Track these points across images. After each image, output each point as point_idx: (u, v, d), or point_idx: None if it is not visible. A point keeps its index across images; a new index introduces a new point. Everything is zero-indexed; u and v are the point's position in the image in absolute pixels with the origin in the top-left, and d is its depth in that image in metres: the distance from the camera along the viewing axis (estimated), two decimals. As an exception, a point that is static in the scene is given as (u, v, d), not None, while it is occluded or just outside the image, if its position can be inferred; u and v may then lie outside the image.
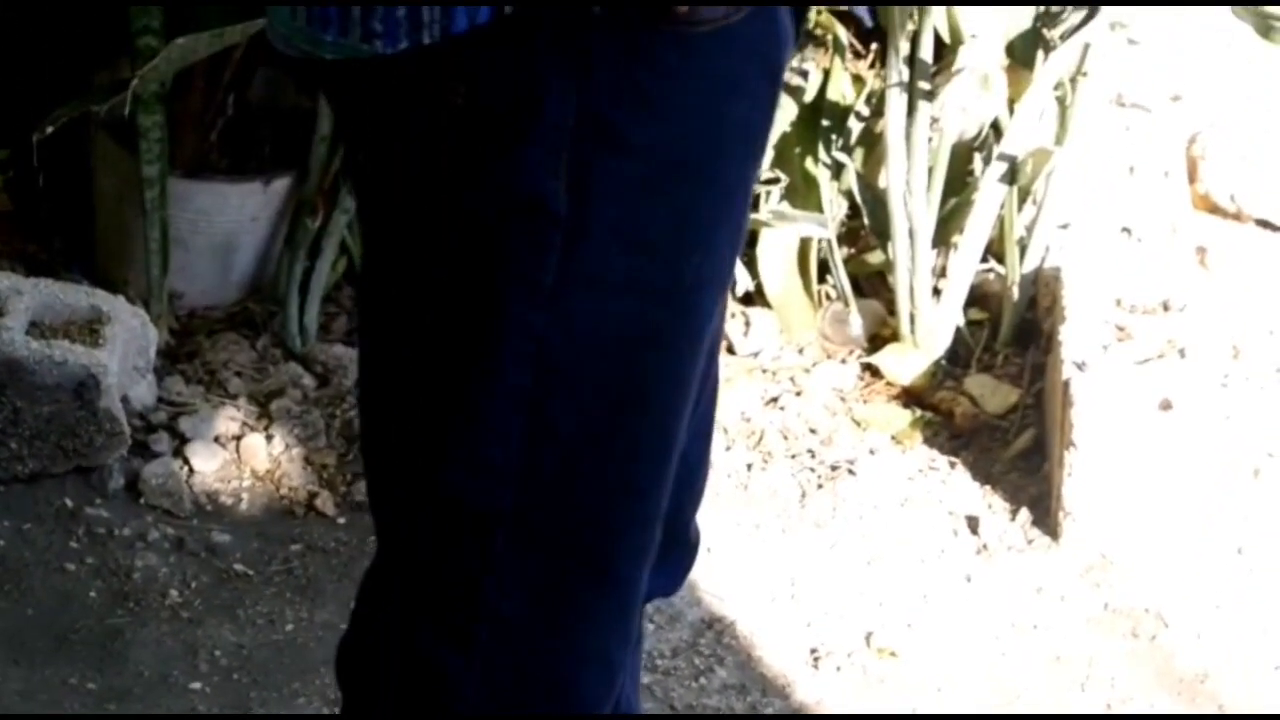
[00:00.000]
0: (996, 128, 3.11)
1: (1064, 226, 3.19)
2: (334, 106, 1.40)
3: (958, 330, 3.10)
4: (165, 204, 2.83)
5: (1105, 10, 3.01)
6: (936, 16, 3.01)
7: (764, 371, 3.09)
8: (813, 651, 2.53)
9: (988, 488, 2.88)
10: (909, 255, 3.03)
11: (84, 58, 2.99)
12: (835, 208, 3.12)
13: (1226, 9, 3.19)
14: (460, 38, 1.21)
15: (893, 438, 2.97)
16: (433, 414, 1.31)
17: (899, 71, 2.97)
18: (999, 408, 3.01)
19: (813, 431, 2.97)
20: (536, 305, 1.26)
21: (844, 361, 3.12)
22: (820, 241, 3.12)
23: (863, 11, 1.36)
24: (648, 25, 1.21)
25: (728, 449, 2.89)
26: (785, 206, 3.08)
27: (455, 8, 1.22)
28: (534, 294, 1.26)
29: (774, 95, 1.32)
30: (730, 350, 3.09)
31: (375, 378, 1.40)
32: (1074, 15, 3.07)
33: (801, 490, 2.85)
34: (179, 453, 2.71)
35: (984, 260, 3.14)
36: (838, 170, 3.12)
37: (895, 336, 3.10)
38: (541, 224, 1.25)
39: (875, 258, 3.18)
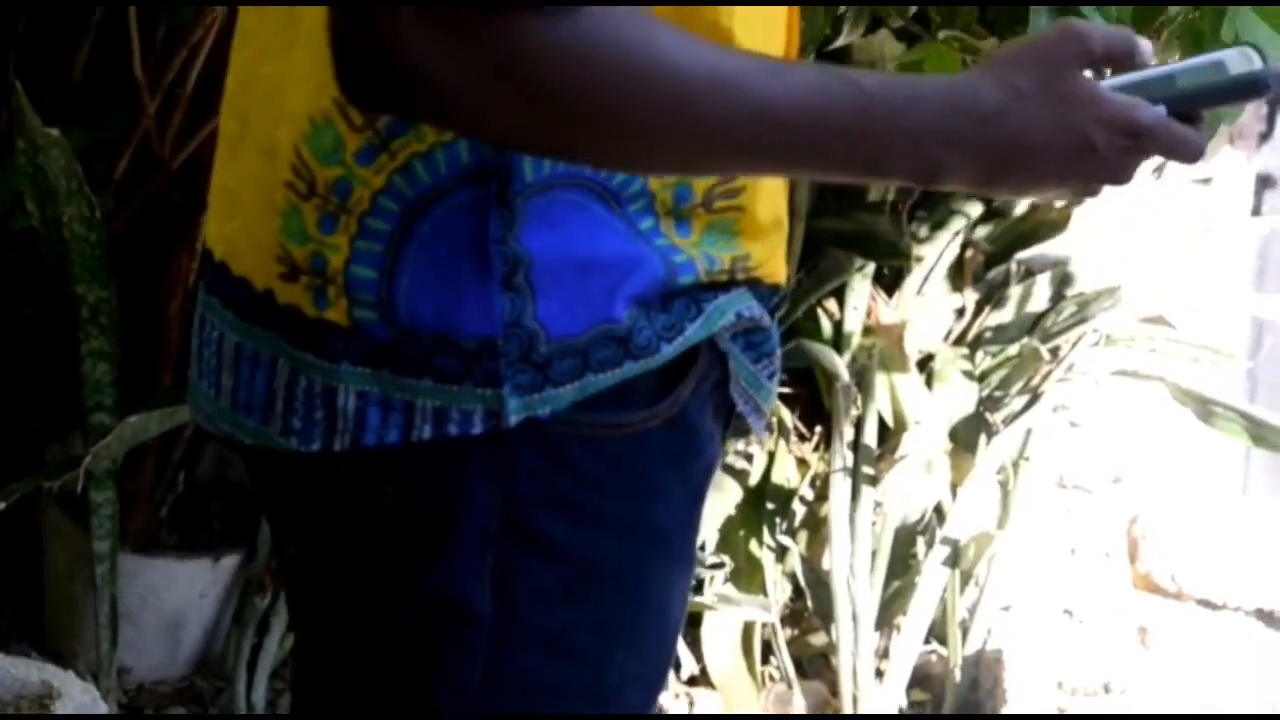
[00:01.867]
0: (939, 511, 3.16)
1: (1006, 609, 3.23)
2: (259, 491, 1.42)
3: (900, 712, 3.11)
4: (115, 579, 2.85)
5: (1047, 395, 3.09)
6: (880, 402, 3.08)
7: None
8: None
9: None
10: (852, 637, 3.06)
11: (37, 433, 3.03)
12: (779, 590, 3.15)
13: (1166, 394, 3.26)
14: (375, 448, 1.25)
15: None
16: None
17: (843, 456, 3.03)
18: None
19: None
20: (463, 705, 1.28)
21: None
22: (764, 623, 3.14)
23: (758, 423, 1.39)
24: (568, 432, 1.25)
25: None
26: (730, 589, 3.11)
27: (367, 424, 1.26)
28: (461, 694, 1.28)
29: (695, 505, 1.35)
30: (675, 730, 3.09)
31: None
32: (1016, 401, 3.14)
33: None
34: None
35: (926, 642, 3.16)
36: (781, 553, 3.15)
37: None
38: (466, 626, 1.27)
39: (819, 639, 3.20)
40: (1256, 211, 4.12)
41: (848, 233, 3.13)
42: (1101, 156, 1.26)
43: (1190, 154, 1.29)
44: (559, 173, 1.24)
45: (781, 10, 1.35)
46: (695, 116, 1.15)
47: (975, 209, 3.33)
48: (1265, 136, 4.23)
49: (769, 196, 1.35)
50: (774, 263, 1.36)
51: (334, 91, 1.21)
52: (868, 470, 3.04)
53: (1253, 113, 4.08)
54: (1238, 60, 1.26)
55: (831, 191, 3.20)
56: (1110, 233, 3.56)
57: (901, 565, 3.15)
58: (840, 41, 2.58)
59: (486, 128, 1.16)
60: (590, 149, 1.17)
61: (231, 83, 1.38)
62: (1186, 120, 1.27)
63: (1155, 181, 3.67)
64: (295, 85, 1.28)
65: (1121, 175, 1.28)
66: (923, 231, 3.29)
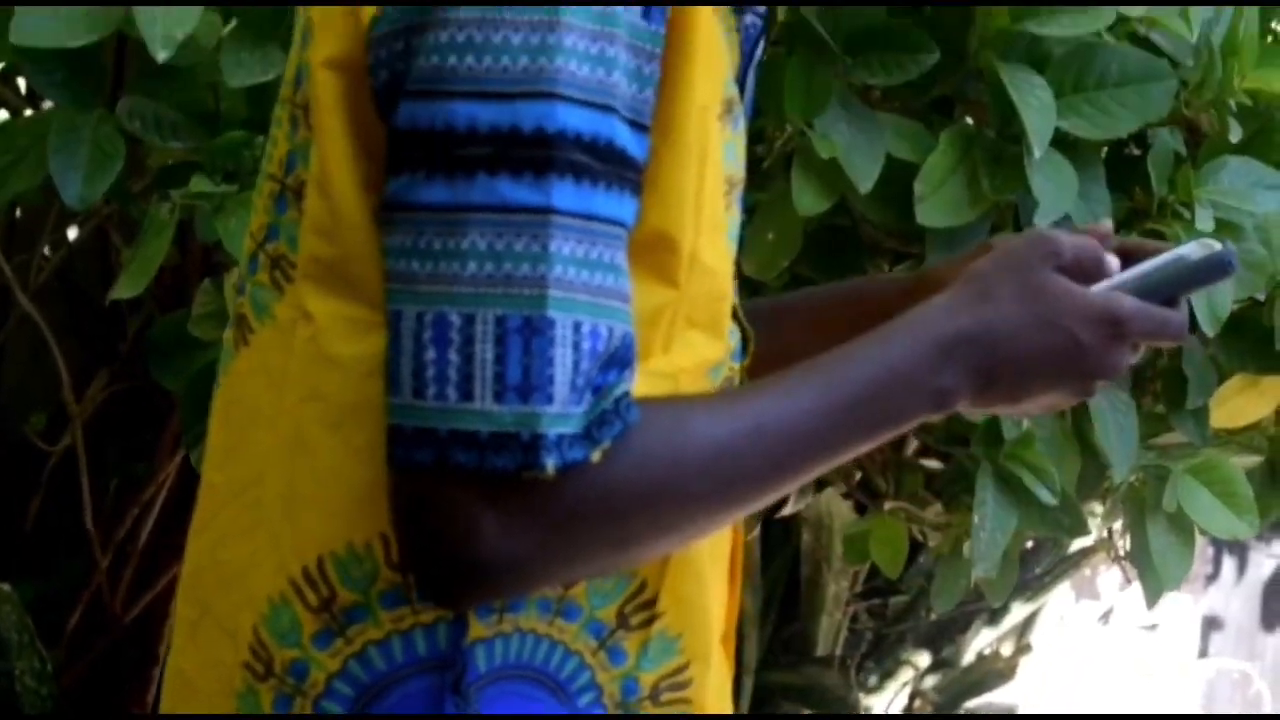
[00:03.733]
0: None
1: None
2: None
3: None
4: None
5: None
6: None
7: None
8: None
9: None
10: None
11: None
12: None
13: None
14: None
15: None
16: None
17: None
18: None
19: None
20: None
21: None
22: None
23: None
24: None
25: None
26: None
27: None
28: None
29: None
30: None
31: None
32: None
33: None
34: None
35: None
36: None
37: None
38: None
39: None
40: (1203, 654, 4.15)
41: (797, 686, 3.14)
42: (1089, 349, 1.31)
43: (1174, 333, 1.34)
44: (510, 663, 1.26)
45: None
46: (745, 478, 1.25)
47: (923, 659, 3.35)
48: (1211, 578, 4.29)
49: (716, 694, 1.37)
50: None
51: (292, 571, 1.25)
52: None
53: (1199, 556, 4.13)
54: (1197, 249, 1.33)
55: (780, 644, 3.22)
56: (1057, 680, 3.57)
57: None
58: (788, 510, 2.64)
59: (578, 577, 1.26)
60: (673, 544, 1.27)
61: (188, 569, 1.39)
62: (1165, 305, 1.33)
63: (1102, 628, 3.70)
64: (256, 567, 1.30)
65: (1111, 367, 1.33)
66: (872, 681, 3.29)
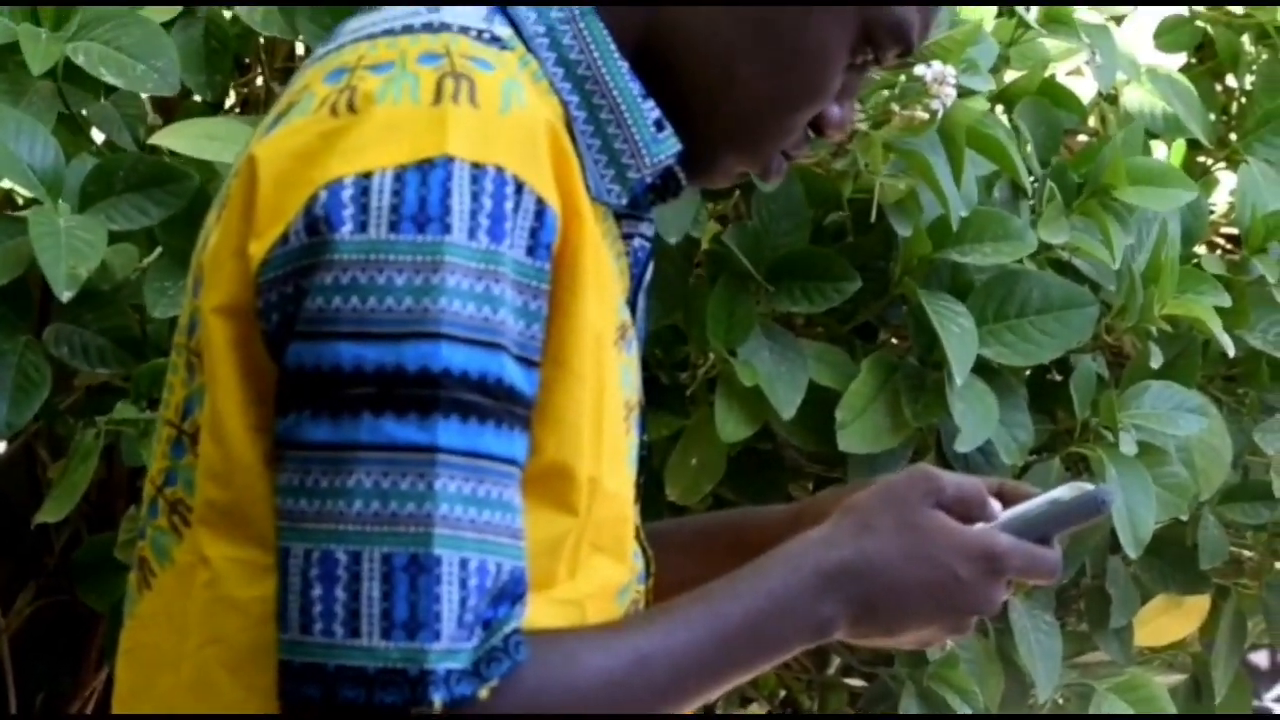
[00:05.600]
0: None
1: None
2: None
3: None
4: None
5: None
6: None
7: None
8: None
9: None
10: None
11: None
12: None
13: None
14: None
15: None
16: None
17: None
18: None
19: None
20: None
21: None
22: None
23: None
24: None
25: None
26: None
27: None
28: None
29: None
30: None
31: None
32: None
33: None
34: None
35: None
36: None
37: None
38: None
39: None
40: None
41: None
42: (965, 584, 1.33)
43: (1047, 570, 1.36)
44: None
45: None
46: (635, 708, 1.26)
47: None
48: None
49: None
50: None
51: None
52: None
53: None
54: (1068, 492, 1.37)
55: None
56: None
57: None
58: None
59: None
60: None
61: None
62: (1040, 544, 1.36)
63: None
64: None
65: (987, 602, 1.35)
66: None
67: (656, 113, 1.33)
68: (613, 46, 1.32)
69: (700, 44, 1.34)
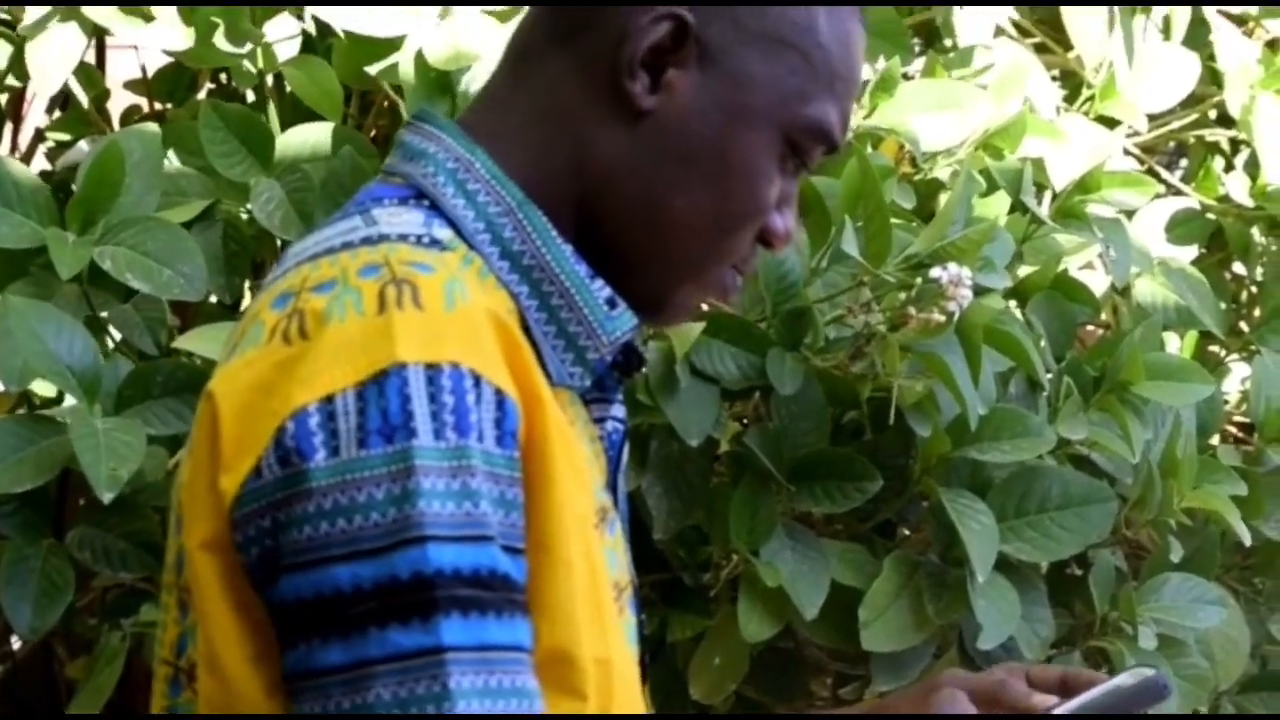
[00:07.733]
0: None
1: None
2: None
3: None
4: None
5: None
6: None
7: None
8: None
9: None
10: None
11: None
12: None
13: None
14: None
15: None
16: None
17: None
18: None
19: None
20: None
21: None
22: None
23: None
24: None
25: None
26: None
27: None
28: None
29: None
30: None
31: None
32: None
33: None
34: None
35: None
36: None
37: None
38: None
39: None
40: None
41: None
42: None
43: None
44: None
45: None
46: None
47: None
48: None
49: None
50: None
51: None
52: None
53: None
54: (1129, 678, 1.40)
55: None
56: None
57: None
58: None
59: None
60: None
61: None
62: None
63: None
64: None
65: None
66: None
67: (607, 291, 1.34)
68: (553, 232, 1.34)
69: (631, 194, 1.35)
